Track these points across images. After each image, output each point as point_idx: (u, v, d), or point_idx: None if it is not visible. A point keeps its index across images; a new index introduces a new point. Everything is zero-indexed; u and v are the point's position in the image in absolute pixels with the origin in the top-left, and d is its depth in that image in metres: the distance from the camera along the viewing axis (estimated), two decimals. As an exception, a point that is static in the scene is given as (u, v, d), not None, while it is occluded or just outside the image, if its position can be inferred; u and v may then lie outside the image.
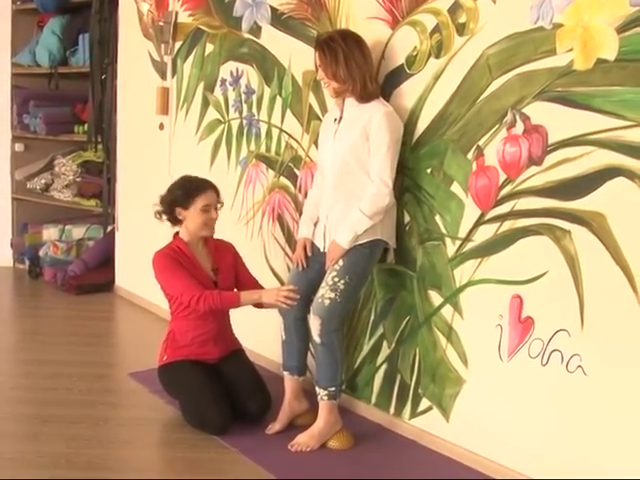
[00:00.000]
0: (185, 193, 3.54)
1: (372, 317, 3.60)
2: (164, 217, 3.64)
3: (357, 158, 3.25)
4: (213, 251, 3.66)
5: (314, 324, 3.26)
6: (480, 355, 3.14)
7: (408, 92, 3.33)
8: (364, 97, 3.24)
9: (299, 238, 3.54)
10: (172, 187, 3.62)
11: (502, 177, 2.98)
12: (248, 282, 3.68)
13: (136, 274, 5.58)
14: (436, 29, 3.19)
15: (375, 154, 3.21)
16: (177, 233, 3.66)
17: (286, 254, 4.04)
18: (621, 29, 2.54)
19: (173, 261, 3.52)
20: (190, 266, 3.53)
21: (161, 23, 4.95)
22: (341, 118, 3.35)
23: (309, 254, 3.48)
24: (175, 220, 3.60)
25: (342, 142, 3.29)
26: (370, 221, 3.21)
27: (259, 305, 3.52)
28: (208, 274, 3.59)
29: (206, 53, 4.63)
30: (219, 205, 3.63)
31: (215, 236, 3.68)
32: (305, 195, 3.83)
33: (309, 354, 3.57)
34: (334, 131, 3.35)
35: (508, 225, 2.98)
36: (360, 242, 3.24)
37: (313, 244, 3.48)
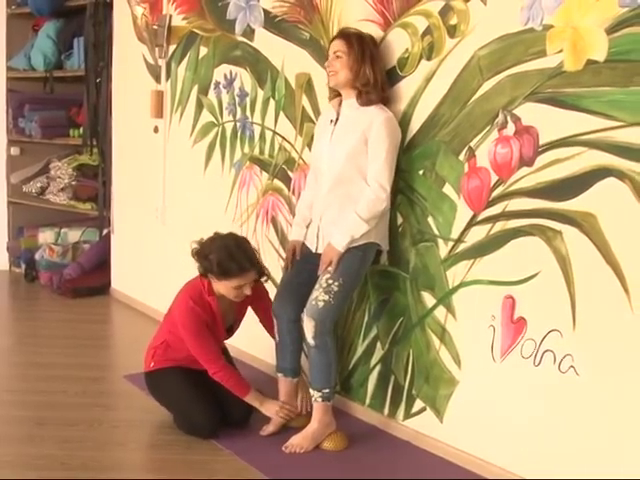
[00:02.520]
0: (221, 271, 3.33)
1: (366, 318, 3.61)
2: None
3: (356, 162, 3.26)
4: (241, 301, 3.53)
5: (308, 326, 3.26)
6: (473, 356, 3.14)
7: (400, 94, 3.34)
8: (373, 100, 3.25)
9: (289, 240, 3.56)
10: (212, 252, 3.35)
11: (494, 178, 2.99)
12: (263, 316, 3.62)
13: (132, 277, 5.59)
14: (427, 31, 3.20)
15: (374, 159, 3.22)
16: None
17: (280, 256, 4.05)
18: (610, 30, 2.55)
19: (199, 323, 3.38)
20: (212, 322, 3.44)
21: (155, 26, 4.95)
22: (337, 120, 3.36)
23: (297, 257, 3.51)
24: (207, 277, 3.43)
25: (340, 145, 3.29)
26: (367, 225, 3.22)
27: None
28: (225, 326, 3.55)
29: (200, 56, 4.64)
30: (264, 278, 3.51)
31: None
32: (299, 197, 3.84)
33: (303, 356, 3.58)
34: (330, 132, 3.36)
35: (500, 226, 2.99)
36: (354, 245, 3.25)
37: (304, 246, 3.49)
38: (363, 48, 3.24)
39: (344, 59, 3.26)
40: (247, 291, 3.39)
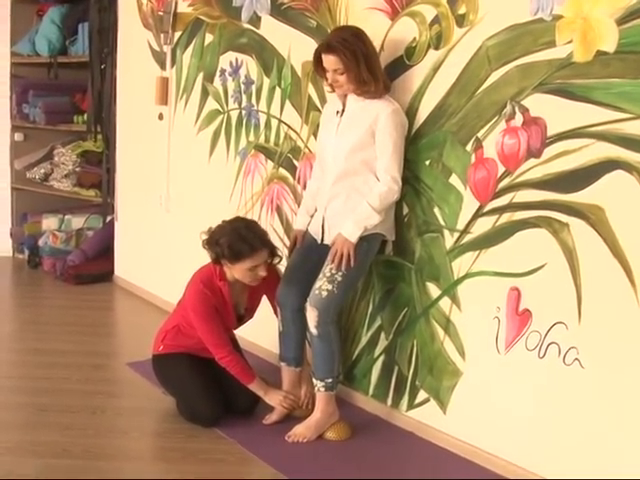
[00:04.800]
0: (233, 254, 3.31)
1: (370, 308, 3.60)
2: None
3: (362, 155, 3.24)
4: (254, 288, 3.50)
5: (311, 315, 3.25)
6: (477, 347, 3.13)
7: (407, 83, 3.32)
8: (376, 95, 3.21)
9: (294, 229, 3.55)
10: (222, 236, 3.34)
11: (501, 169, 2.98)
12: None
13: (135, 264, 5.59)
14: (435, 20, 3.18)
15: (383, 152, 3.20)
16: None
17: (284, 245, 4.03)
18: (621, 21, 2.53)
19: (209, 307, 3.39)
20: (222, 307, 3.44)
21: (161, 13, 4.93)
22: (343, 111, 3.33)
23: (298, 246, 3.51)
24: (220, 264, 3.43)
25: (346, 137, 3.27)
26: (379, 216, 3.20)
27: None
28: (236, 314, 3.53)
29: (205, 43, 4.61)
30: (276, 259, 3.47)
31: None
32: (304, 186, 3.83)
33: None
34: (336, 124, 3.33)
35: (506, 217, 2.97)
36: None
37: (308, 235, 3.49)
38: (356, 56, 3.16)
39: (345, 75, 3.20)
40: (262, 272, 3.37)
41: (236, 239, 3.33)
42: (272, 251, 3.44)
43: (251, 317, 3.63)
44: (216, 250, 3.37)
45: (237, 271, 3.38)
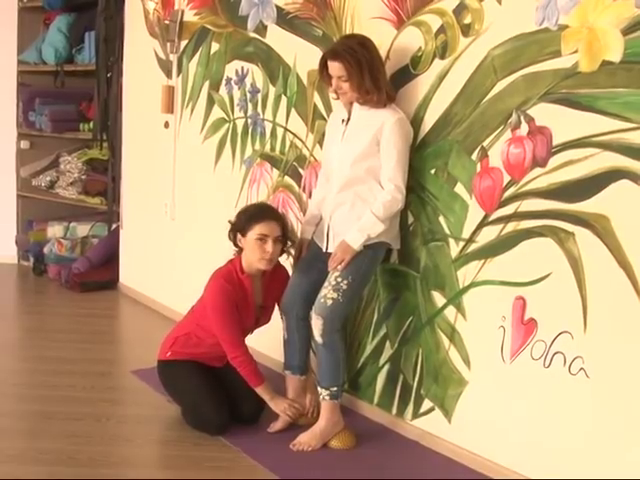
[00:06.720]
0: (246, 218, 3.43)
1: (375, 317, 3.60)
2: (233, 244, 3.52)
3: (367, 163, 3.25)
4: (267, 284, 3.53)
5: (316, 324, 3.26)
6: (483, 356, 3.13)
7: (413, 93, 3.32)
8: (380, 105, 3.22)
9: (299, 238, 3.57)
10: (239, 211, 3.53)
11: (506, 178, 2.98)
12: None
13: (140, 272, 5.59)
14: (441, 30, 3.19)
15: (388, 161, 3.21)
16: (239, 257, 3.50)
17: (290, 254, 4.03)
18: (626, 31, 2.54)
19: (229, 303, 3.39)
20: (243, 302, 3.44)
21: (167, 21, 4.95)
22: (349, 119, 3.34)
23: (303, 255, 3.51)
24: (237, 247, 3.48)
25: (351, 145, 3.28)
26: (383, 225, 3.21)
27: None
28: (255, 311, 3.53)
29: (212, 52, 4.63)
30: (288, 243, 3.49)
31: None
32: (309, 195, 3.84)
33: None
34: (342, 132, 3.34)
35: (512, 226, 2.97)
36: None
37: (314, 244, 3.49)
38: (360, 65, 3.17)
39: (348, 82, 3.21)
40: (270, 247, 3.35)
41: (251, 208, 3.58)
42: (284, 229, 3.44)
43: (267, 320, 3.61)
44: (232, 227, 3.46)
45: (248, 244, 3.38)
